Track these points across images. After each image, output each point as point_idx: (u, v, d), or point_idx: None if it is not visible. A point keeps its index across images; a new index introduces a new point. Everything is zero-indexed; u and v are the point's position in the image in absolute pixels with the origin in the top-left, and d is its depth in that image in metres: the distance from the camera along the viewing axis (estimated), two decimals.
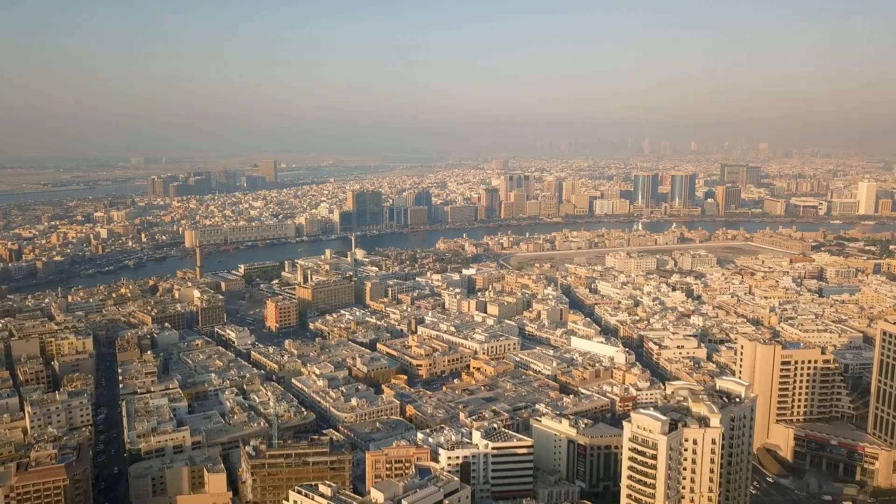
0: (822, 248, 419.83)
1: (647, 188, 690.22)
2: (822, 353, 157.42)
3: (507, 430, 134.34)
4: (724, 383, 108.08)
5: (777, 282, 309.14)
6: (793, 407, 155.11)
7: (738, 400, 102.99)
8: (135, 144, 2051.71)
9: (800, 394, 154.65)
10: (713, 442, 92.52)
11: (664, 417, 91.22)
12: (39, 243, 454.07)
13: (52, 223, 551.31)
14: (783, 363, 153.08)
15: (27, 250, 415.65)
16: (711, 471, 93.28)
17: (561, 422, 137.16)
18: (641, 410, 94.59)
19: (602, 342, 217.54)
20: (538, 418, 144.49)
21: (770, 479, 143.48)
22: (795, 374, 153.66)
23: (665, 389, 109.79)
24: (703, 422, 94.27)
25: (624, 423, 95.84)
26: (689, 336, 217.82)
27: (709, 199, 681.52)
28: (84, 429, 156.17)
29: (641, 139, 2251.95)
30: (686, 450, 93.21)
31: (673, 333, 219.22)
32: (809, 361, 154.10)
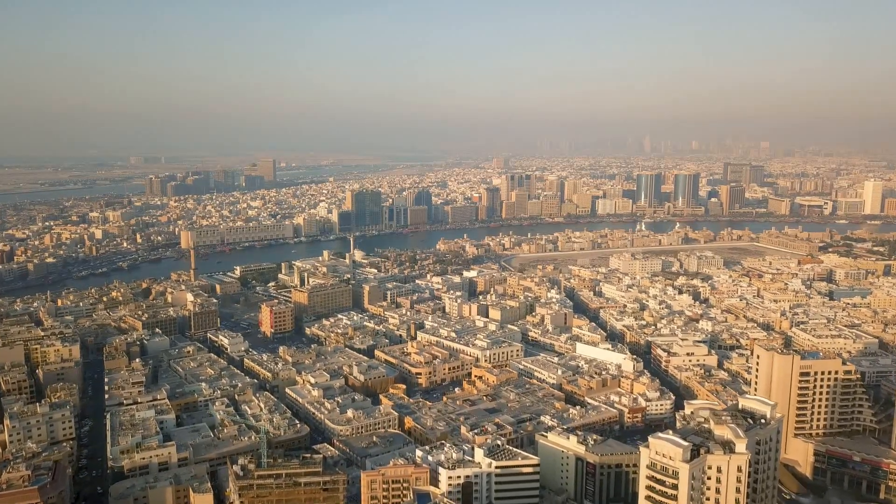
0: (830, 249, 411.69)
1: (650, 187, 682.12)
2: (843, 363, 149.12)
3: (511, 448, 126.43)
4: (747, 402, 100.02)
5: (786, 284, 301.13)
6: (812, 420, 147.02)
7: (763, 421, 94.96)
8: (134, 144, 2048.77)
9: (819, 406, 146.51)
10: (739, 469, 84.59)
11: (685, 443, 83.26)
12: (32, 244, 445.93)
13: (47, 223, 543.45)
14: (802, 374, 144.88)
15: (19, 251, 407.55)
16: (737, 501, 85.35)
17: (568, 438, 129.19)
18: (661, 435, 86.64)
19: (608, 349, 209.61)
20: (544, 433, 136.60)
21: (789, 497, 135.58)
22: (815, 386, 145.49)
23: (684, 409, 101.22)
24: (728, 447, 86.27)
25: (641, 448, 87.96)
26: (699, 342, 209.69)
27: (712, 199, 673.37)
28: (65, 444, 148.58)
29: (642, 138, 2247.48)
30: (710, 478, 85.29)
31: (682, 340, 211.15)
32: (829, 372, 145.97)
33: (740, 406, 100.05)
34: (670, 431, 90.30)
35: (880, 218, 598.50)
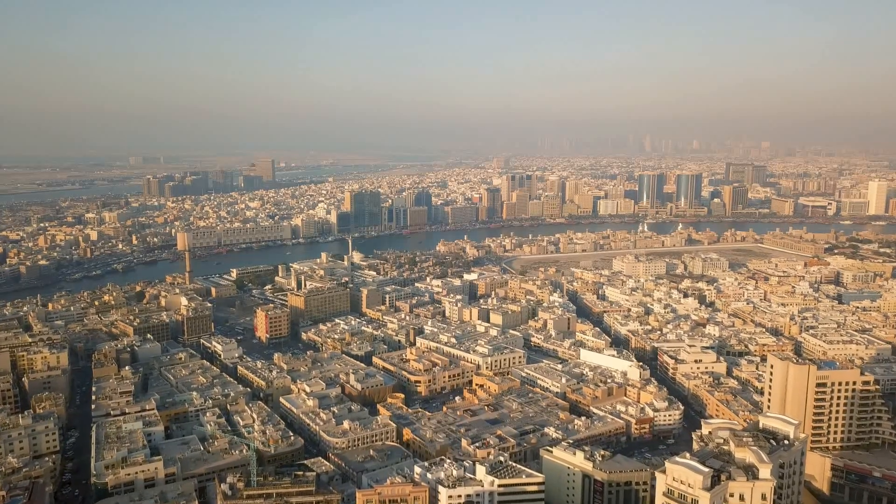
0: (836, 251, 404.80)
1: (652, 188, 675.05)
2: (862, 373, 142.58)
3: (514, 464, 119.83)
4: (768, 421, 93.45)
5: (793, 287, 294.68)
6: (829, 433, 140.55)
7: (786, 442, 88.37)
8: (134, 144, 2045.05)
9: (837, 419, 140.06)
10: (763, 497, 78.08)
11: (706, 469, 76.75)
12: (26, 246, 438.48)
13: (42, 225, 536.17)
14: (818, 385, 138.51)
15: (12, 253, 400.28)
16: None
17: (575, 454, 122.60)
18: (678, 459, 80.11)
19: (614, 355, 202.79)
20: (548, 448, 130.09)
21: None
22: (832, 398, 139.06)
23: (701, 428, 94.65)
24: (750, 472, 79.74)
25: (657, 473, 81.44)
26: (707, 349, 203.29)
27: (715, 199, 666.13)
28: (48, 458, 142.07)
29: (642, 137, 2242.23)
30: None
31: (689, 346, 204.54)
32: (847, 383, 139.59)
33: (761, 425, 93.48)
34: (687, 455, 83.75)
35: (885, 219, 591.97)
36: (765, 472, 78.86)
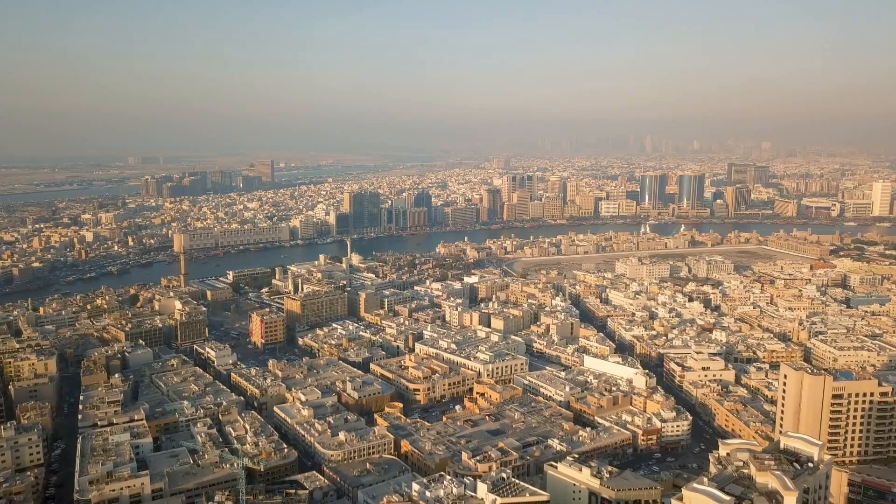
0: (841, 253, 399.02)
1: (654, 189, 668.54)
2: (879, 384, 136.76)
3: (517, 481, 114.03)
4: (790, 441, 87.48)
5: (800, 291, 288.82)
6: (845, 447, 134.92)
7: (810, 465, 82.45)
8: (133, 144, 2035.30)
9: (853, 432, 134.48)
10: None
11: (726, 497, 70.88)
12: (20, 248, 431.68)
13: (37, 226, 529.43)
14: (834, 396, 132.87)
15: (5, 255, 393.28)
16: None
17: (581, 470, 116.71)
18: (696, 486, 74.19)
19: (618, 362, 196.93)
20: (553, 463, 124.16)
21: None
22: (849, 410, 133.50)
23: (718, 450, 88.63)
24: (774, 499, 73.81)
25: (673, 500, 75.41)
26: (714, 355, 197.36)
27: (718, 200, 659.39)
28: (30, 472, 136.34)
29: (643, 137, 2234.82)
30: None
31: (696, 352, 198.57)
32: (864, 394, 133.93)
33: (782, 446, 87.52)
34: (705, 480, 77.87)
35: (889, 220, 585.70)
36: (790, 499, 72.84)
